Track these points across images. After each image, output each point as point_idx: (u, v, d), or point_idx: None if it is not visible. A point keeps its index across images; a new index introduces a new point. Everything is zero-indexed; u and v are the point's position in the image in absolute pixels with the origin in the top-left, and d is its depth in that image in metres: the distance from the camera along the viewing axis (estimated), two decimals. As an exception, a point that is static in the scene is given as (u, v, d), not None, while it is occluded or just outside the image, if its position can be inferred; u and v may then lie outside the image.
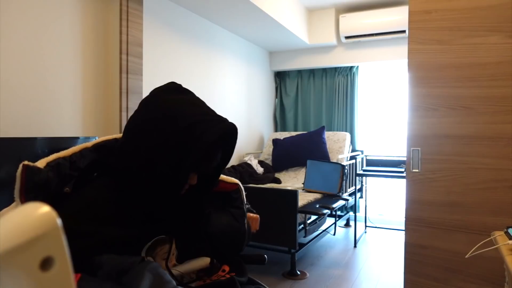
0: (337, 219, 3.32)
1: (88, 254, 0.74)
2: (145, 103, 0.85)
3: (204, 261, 0.94)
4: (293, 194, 2.53)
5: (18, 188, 0.73)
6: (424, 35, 1.84)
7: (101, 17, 2.26)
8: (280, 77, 4.84)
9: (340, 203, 3.03)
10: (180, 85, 0.88)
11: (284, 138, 4.13)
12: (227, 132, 0.86)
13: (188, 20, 3.13)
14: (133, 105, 2.34)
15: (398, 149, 4.18)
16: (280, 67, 4.64)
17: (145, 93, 2.58)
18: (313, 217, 2.94)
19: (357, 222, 3.55)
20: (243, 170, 3.56)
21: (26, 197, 0.73)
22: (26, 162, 0.74)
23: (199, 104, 0.85)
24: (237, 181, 1.06)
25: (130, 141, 0.82)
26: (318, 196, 3.13)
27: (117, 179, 0.84)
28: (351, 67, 4.38)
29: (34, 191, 0.74)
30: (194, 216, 0.97)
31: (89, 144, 0.87)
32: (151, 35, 2.71)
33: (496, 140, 1.71)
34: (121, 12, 2.25)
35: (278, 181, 3.67)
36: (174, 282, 0.73)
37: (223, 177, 1.04)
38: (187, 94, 0.87)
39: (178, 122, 0.79)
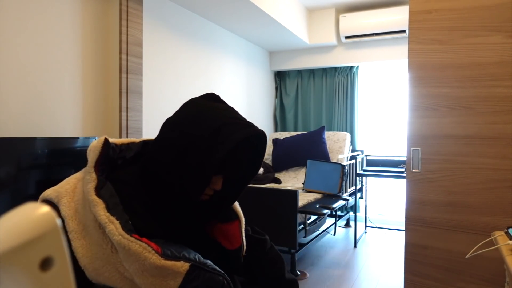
0: (337, 219, 3.32)
1: None
2: (182, 106, 0.89)
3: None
4: (293, 194, 2.53)
5: (94, 159, 0.78)
6: (424, 35, 1.84)
7: (101, 17, 2.26)
8: (280, 77, 4.84)
9: (340, 203, 3.03)
10: (218, 96, 0.91)
11: (284, 138, 4.13)
12: (254, 136, 0.86)
13: (188, 20, 3.13)
14: (133, 105, 2.33)
15: (398, 149, 4.18)
16: (280, 67, 4.64)
17: (145, 93, 2.58)
18: (313, 217, 2.94)
19: (357, 222, 3.55)
20: (243, 170, 3.55)
21: (99, 169, 0.79)
22: (107, 137, 0.81)
23: (231, 110, 0.87)
24: (242, 243, 0.95)
25: (162, 135, 0.85)
26: (318, 196, 3.13)
27: (144, 173, 0.85)
28: (351, 67, 4.38)
29: (104, 164, 0.80)
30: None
31: (136, 139, 0.93)
32: (151, 35, 2.71)
33: (496, 140, 1.71)
34: (121, 12, 2.25)
35: (278, 181, 3.67)
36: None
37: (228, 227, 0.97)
38: (222, 103, 0.90)
39: (207, 123, 0.81)
